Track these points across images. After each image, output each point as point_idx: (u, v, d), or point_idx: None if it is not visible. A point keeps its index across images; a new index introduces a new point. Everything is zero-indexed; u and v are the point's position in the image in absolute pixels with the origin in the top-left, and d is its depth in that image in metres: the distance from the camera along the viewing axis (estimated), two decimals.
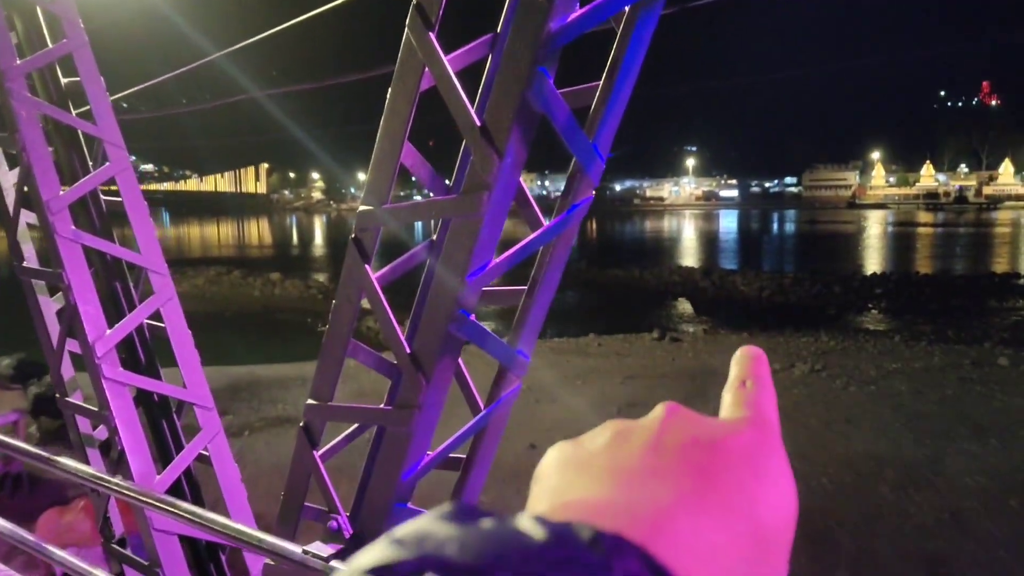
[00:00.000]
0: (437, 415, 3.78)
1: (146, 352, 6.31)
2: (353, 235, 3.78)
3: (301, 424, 4.19)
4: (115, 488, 4.84)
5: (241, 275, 47.38)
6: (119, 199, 6.09)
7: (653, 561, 0.35)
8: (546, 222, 3.72)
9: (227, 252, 74.70)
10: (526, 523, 0.34)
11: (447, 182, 4.12)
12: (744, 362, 0.58)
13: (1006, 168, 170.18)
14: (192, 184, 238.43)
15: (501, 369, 3.98)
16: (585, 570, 0.33)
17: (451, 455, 4.18)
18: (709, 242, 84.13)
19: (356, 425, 4.61)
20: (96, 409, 5.57)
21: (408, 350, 3.65)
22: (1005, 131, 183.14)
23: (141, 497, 4.77)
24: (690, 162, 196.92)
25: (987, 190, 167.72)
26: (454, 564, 0.31)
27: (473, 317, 3.62)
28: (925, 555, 7.52)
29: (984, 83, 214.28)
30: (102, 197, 6.47)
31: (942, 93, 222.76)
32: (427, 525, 0.34)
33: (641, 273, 47.06)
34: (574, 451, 0.50)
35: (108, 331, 5.53)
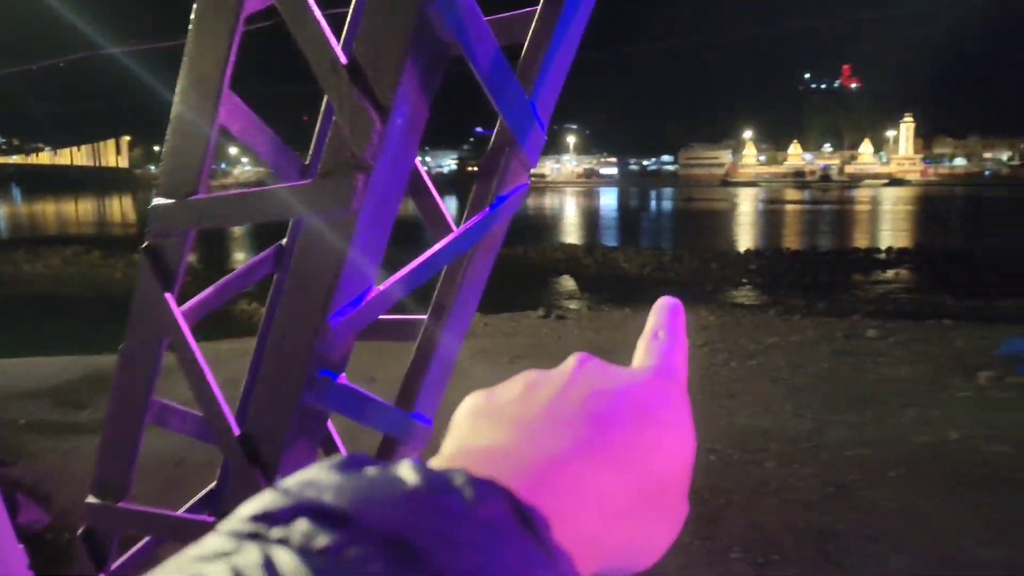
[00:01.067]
0: None
1: None
2: (145, 243, 2.35)
3: (80, 531, 2.72)
4: None
5: (102, 255, 44.04)
6: None
7: (520, 504, 0.36)
8: (456, 226, 2.40)
9: (86, 230, 69.65)
10: (404, 471, 0.35)
11: (302, 159, 2.74)
12: (660, 313, 0.60)
13: (865, 147, 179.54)
14: (45, 157, 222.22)
15: (387, 440, 2.64)
16: (450, 514, 0.34)
17: None
18: (591, 219, 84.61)
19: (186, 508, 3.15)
20: None
21: (237, 431, 2.26)
22: (864, 112, 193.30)
23: None
24: (570, 140, 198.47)
25: (849, 169, 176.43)
26: (328, 509, 0.32)
27: (343, 378, 2.27)
28: (814, 529, 7.30)
29: (845, 67, 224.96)
30: None
31: (807, 75, 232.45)
32: (314, 474, 0.35)
33: (525, 251, 46.58)
34: (486, 401, 0.52)
35: None
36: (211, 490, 2.99)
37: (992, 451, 9.08)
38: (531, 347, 18.57)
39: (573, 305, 28.77)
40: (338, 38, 2.34)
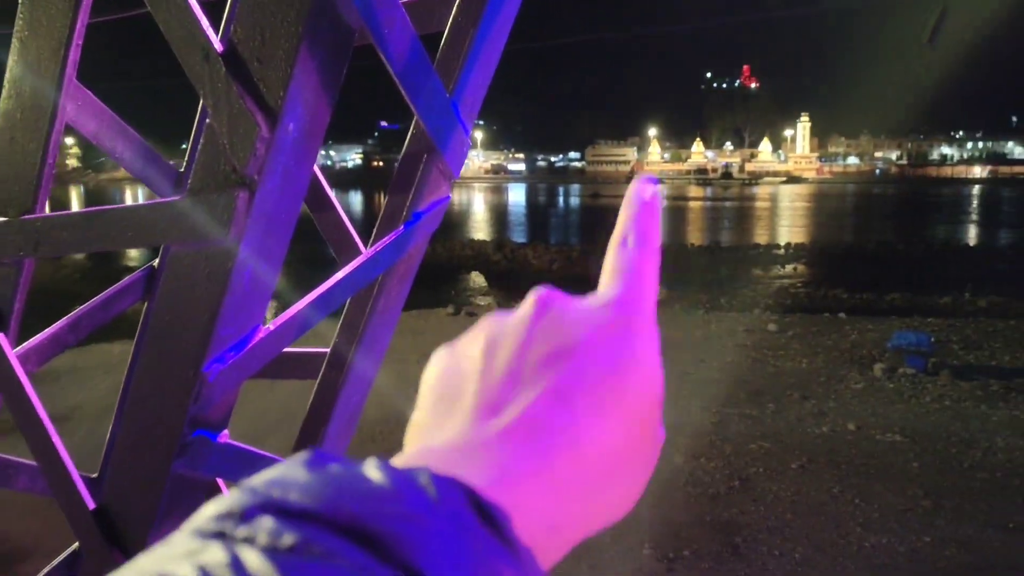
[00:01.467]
0: None
1: None
2: None
3: None
4: None
5: None
6: None
7: (481, 501, 0.37)
8: (364, 248, 2.01)
9: None
10: (369, 469, 0.36)
11: (175, 166, 2.29)
12: (629, 209, 0.56)
13: (765, 146, 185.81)
14: None
15: None
16: (414, 510, 0.35)
17: None
18: (499, 215, 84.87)
19: None
20: None
21: (92, 504, 1.82)
22: (763, 112, 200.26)
23: None
24: (478, 135, 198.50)
25: (749, 167, 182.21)
26: (293, 507, 0.33)
27: (225, 435, 1.85)
28: (720, 522, 7.57)
29: (745, 67, 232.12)
30: None
31: (708, 75, 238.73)
32: (280, 472, 0.36)
33: (433, 247, 46.03)
34: (449, 375, 0.52)
35: None
36: (74, 552, 2.51)
37: (886, 440, 9.52)
38: (440, 344, 18.45)
39: (483, 301, 28.69)
40: (217, 23, 1.91)
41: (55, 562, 2.57)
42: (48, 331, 2.13)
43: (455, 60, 1.94)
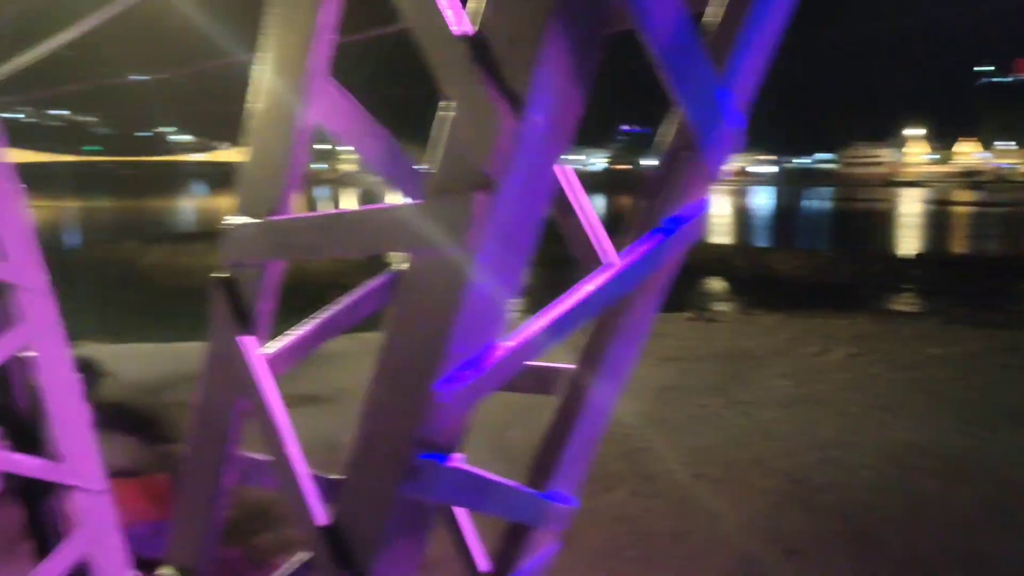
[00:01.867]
0: None
1: (25, 399, 4.44)
2: (219, 274, 1.87)
3: None
4: None
5: None
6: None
7: None
8: (613, 257, 1.80)
9: None
10: None
11: (421, 169, 2.21)
12: None
13: None
14: (226, 154, 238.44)
15: (516, 528, 2.08)
16: None
17: None
18: (743, 219, 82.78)
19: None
20: None
21: (322, 521, 1.76)
22: None
23: None
24: None
25: None
26: None
27: (458, 460, 1.71)
28: (972, 553, 7.06)
29: (1019, 60, 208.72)
30: None
31: (979, 69, 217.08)
32: None
33: None
34: None
35: None
36: (308, 562, 2.50)
37: None
38: (680, 349, 18.18)
39: (723, 307, 28.15)
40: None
41: (287, 567, 2.57)
42: (299, 334, 2.13)
43: (727, 42, 1.67)
